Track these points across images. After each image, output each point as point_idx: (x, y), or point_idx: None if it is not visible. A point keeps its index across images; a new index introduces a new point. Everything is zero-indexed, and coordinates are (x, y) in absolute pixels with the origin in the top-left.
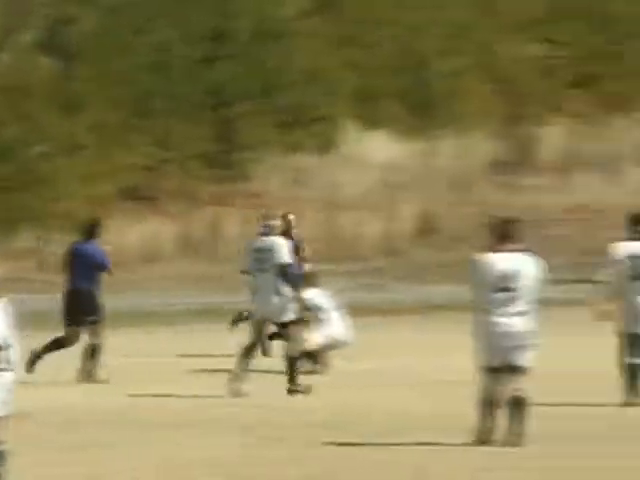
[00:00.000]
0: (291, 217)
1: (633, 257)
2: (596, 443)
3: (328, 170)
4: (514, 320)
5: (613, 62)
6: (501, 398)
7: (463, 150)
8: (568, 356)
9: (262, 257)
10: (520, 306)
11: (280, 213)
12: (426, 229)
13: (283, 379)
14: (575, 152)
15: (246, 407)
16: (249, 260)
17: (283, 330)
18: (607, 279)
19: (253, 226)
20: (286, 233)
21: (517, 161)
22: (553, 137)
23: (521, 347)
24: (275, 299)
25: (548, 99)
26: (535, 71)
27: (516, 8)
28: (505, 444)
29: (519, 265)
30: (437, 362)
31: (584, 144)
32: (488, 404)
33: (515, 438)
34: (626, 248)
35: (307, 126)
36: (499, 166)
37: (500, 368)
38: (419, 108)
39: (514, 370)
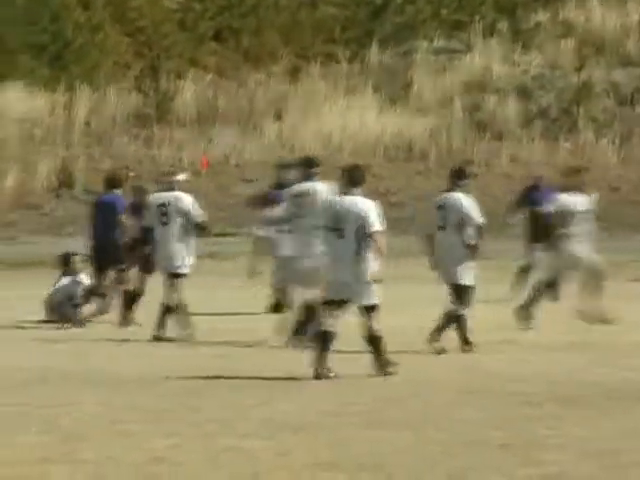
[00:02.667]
0: None
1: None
2: None
3: None
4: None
5: (249, 16)
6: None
7: (101, 104)
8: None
9: None
10: (352, 246)
11: None
12: (64, 183)
13: None
14: (213, 106)
15: None
16: None
17: None
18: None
19: None
20: None
21: (155, 115)
22: (191, 91)
23: (356, 284)
24: None
25: (185, 52)
26: (172, 24)
27: None
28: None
29: (352, 207)
30: None
31: (222, 98)
32: (325, 338)
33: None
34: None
35: None
36: (137, 119)
37: (337, 302)
38: (56, 60)
39: (347, 305)
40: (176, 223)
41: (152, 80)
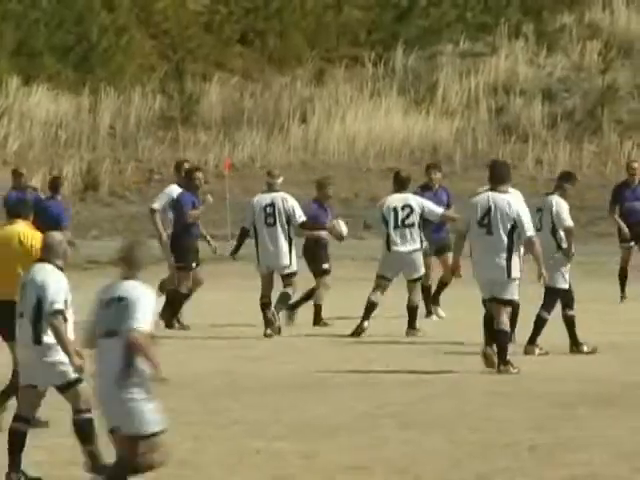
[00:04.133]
0: None
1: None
2: None
3: None
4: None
5: (274, 19)
6: None
7: (126, 106)
8: None
9: None
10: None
11: None
12: (90, 185)
13: None
14: (239, 109)
15: None
16: None
17: None
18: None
19: None
20: None
21: (180, 117)
22: (216, 93)
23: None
24: None
25: (211, 55)
26: (198, 26)
27: None
28: None
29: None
30: None
31: (247, 101)
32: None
33: None
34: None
35: None
36: (162, 122)
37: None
38: (81, 63)
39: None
40: (281, 224)
41: (177, 82)
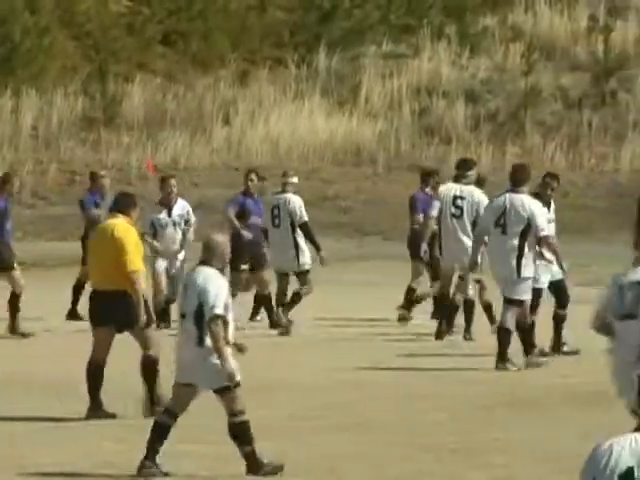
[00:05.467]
0: None
1: None
2: None
3: None
4: None
5: (197, 20)
6: None
7: (48, 108)
8: None
9: None
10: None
11: None
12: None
13: None
14: (161, 110)
15: None
16: None
17: None
18: None
19: None
20: None
21: (103, 119)
22: (139, 95)
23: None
24: None
25: (133, 56)
26: (120, 28)
27: None
28: None
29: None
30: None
31: (170, 102)
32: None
33: None
34: None
35: None
36: (85, 123)
37: None
38: (2, 64)
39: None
40: (285, 225)
41: (99, 84)
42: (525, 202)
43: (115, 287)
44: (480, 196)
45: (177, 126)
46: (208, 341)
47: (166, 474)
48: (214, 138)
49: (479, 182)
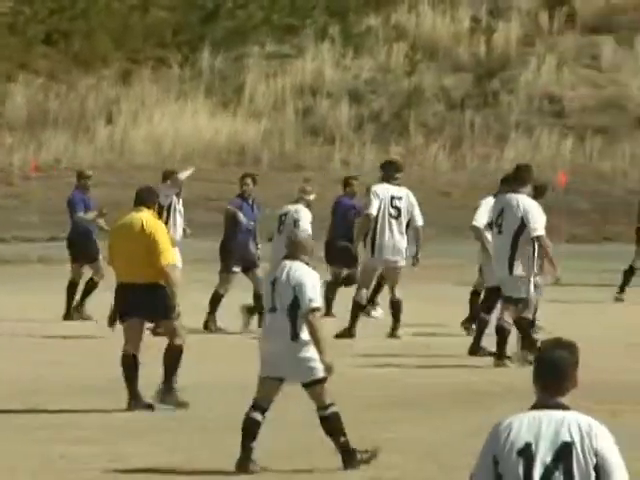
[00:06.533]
0: None
1: None
2: None
3: None
4: None
5: (80, 20)
6: None
7: None
8: None
9: None
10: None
11: None
12: None
13: None
14: (44, 110)
15: None
16: None
17: None
18: None
19: None
20: None
21: None
22: (21, 94)
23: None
24: None
25: (15, 56)
26: (1, 27)
27: None
28: None
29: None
30: None
31: (53, 101)
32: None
33: None
34: None
35: None
36: None
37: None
38: None
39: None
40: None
41: None
42: (520, 202)
43: (146, 280)
44: (413, 198)
45: (60, 126)
46: (302, 335)
47: (264, 468)
48: (97, 138)
49: (539, 190)
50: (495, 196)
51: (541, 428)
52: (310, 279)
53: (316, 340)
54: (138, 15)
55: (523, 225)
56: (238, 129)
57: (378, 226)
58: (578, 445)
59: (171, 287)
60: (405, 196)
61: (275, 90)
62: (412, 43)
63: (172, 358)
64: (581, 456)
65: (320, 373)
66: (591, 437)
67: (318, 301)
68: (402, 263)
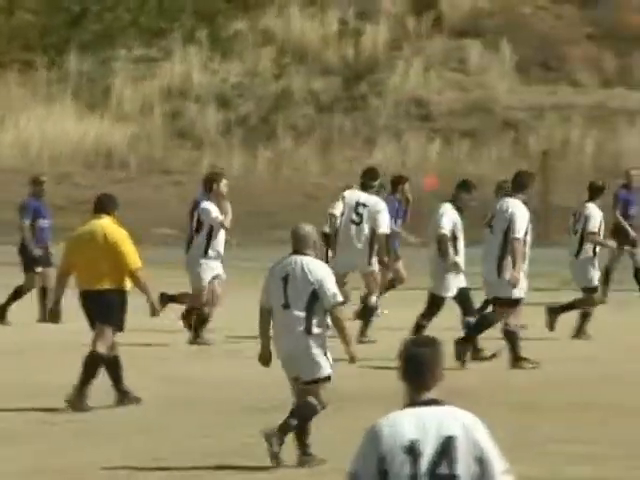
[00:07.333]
0: None
1: None
2: None
3: None
4: None
5: None
6: None
7: None
8: None
9: None
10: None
11: None
12: None
13: None
14: None
15: None
16: None
17: None
18: None
19: None
20: None
21: None
22: None
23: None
24: None
25: None
26: None
27: None
28: None
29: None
30: None
31: None
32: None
33: None
34: None
35: None
36: None
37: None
38: None
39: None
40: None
41: None
42: (510, 205)
43: (106, 286)
44: (381, 205)
45: None
46: (315, 329)
47: (322, 460)
48: None
49: (595, 191)
50: (451, 202)
51: (425, 424)
52: (327, 274)
53: (341, 333)
54: (3, 18)
55: (509, 228)
56: (105, 132)
57: (340, 232)
58: (461, 438)
59: (143, 289)
60: (373, 204)
61: (143, 93)
62: (280, 47)
63: (90, 365)
64: (464, 448)
65: (325, 372)
66: (472, 430)
67: (340, 295)
68: (369, 269)
